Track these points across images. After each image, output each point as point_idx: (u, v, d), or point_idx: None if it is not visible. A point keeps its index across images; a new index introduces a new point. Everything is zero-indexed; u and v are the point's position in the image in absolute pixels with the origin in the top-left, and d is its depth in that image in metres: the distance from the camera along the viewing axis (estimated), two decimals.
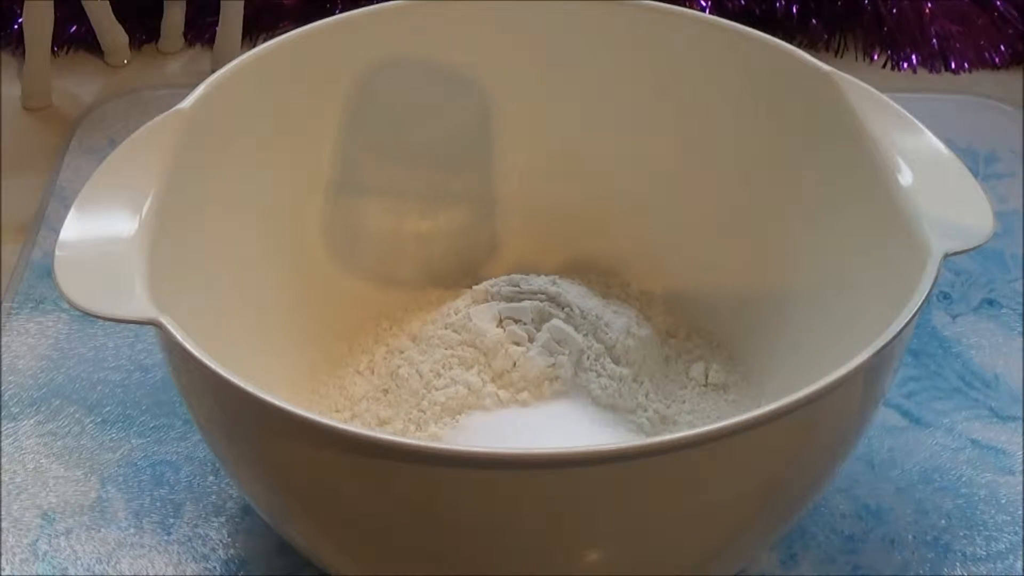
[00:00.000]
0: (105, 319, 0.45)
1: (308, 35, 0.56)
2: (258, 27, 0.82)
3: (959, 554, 0.54)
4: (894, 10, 0.82)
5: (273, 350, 0.55)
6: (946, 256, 0.46)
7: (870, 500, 0.56)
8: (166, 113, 0.51)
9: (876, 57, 0.82)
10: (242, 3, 0.79)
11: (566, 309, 0.55)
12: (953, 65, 0.81)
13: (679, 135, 0.59)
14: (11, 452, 0.57)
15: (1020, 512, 0.55)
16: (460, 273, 0.60)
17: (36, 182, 0.72)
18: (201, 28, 0.82)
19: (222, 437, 0.47)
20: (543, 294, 0.56)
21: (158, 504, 0.55)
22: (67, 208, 0.48)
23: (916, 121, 0.52)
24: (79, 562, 0.53)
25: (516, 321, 0.55)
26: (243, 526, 0.54)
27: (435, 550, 0.45)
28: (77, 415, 0.59)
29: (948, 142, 0.51)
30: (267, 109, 0.56)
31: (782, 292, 0.56)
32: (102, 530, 0.54)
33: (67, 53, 0.82)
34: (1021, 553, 0.54)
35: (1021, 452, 0.58)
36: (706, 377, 0.57)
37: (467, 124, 0.60)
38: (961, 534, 0.54)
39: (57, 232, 0.47)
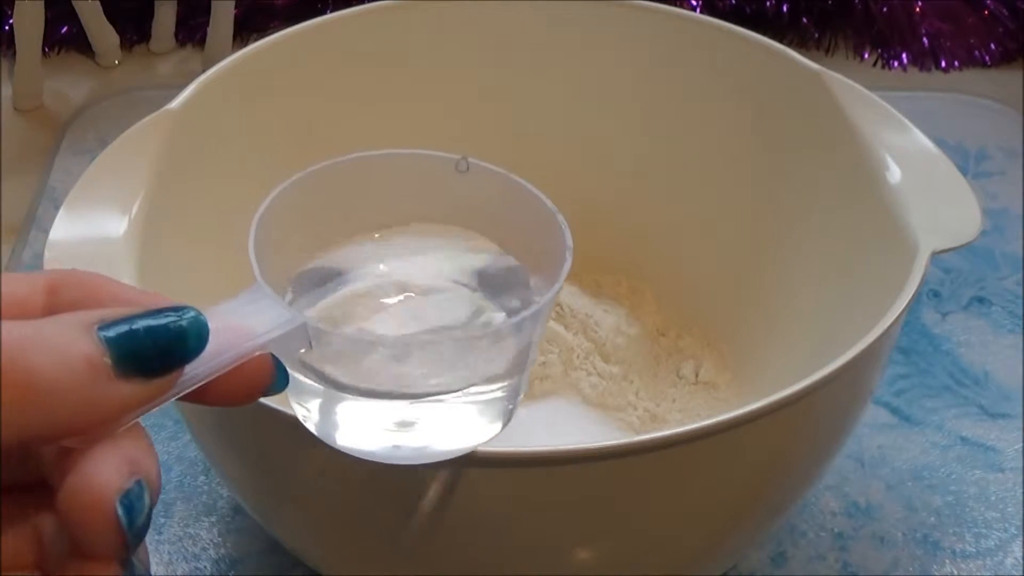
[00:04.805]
0: None
1: (298, 35, 0.56)
2: (249, 27, 0.82)
3: (948, 551, 0.54)
4: (884, 9, 0.82)
5: None
6: (934, 254, 0.46)
7: (860, 498, 0.56)
8: (155, 113, 0.51)
9: (866, 56, 0.82)
10: (233, 3, 0.79)
11: (556, 307, 0.55)
12: (943, 64, 0.82)
13: (669, 134, 0.59)
14: None
15: (1009, 509, 0.55)
16: None
17: (27, 183, 0.72)
18: (192, 28, 0.82)
19: (213, 437, 0.47)
20: None
21: None
22: (58, 209, 0.48)
23: (905, 120, 0.52)
24: None
25: None
26: (234, 526, 0.54)
27: (426, 549, 0.45)
28: None
29: (938, 140, 0.51)
30: (257, 109, 0.55)
31: (771, 290, 0.56)
32: None
33: (58, 54, 0.82)
34: (1010, 550, 0.54)
35: (1010, 449, 0.58)
36: (696, 375, 0.57)
37: (462, 124, 0.60)
38: (951, 531, 0.55)
39: (47, 233, 0.47)
